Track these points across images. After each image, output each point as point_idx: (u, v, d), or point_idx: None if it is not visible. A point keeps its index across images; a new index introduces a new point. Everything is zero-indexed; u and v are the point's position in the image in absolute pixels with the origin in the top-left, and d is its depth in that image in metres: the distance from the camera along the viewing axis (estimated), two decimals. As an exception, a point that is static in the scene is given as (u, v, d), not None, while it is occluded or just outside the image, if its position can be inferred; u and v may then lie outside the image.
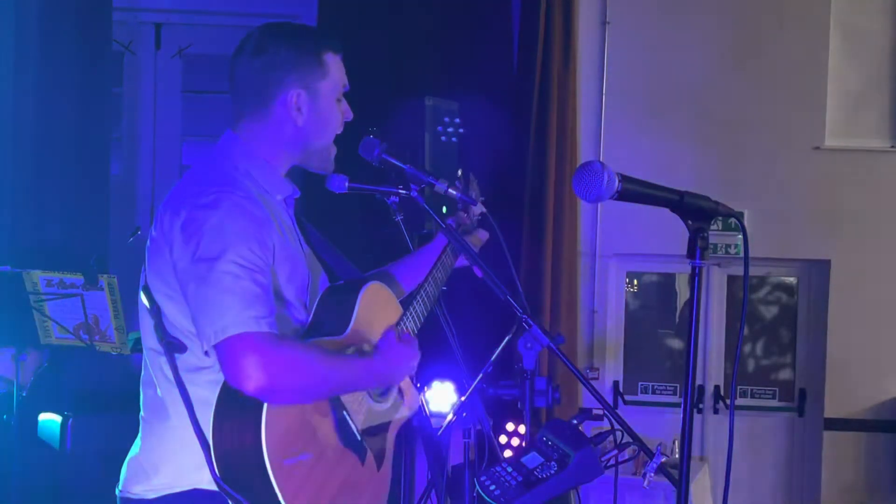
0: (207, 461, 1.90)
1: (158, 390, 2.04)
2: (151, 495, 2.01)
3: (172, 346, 1.99)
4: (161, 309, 2.01)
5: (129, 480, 2.06)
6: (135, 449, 2.09)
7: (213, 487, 1.91)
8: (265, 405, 1.85)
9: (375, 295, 2.26)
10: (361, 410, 2.12)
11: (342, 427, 2.04)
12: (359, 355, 2.10)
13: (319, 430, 1.99)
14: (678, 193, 1.80)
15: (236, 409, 1.88)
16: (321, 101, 2.13)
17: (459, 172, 2.66)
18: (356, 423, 2.08)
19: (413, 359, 2.20)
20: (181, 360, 1.99)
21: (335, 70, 2.16)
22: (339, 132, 2.21)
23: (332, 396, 2.02)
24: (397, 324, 2.29)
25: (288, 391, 1.87)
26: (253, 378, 1.82)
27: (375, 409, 2.18)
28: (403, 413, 2.28)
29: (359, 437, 2.08)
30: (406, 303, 2.37)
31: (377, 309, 2.27)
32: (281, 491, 1.85)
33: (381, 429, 2.19)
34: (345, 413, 2.05)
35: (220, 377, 1.91)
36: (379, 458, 2.17)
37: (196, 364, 1.98)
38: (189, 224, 1.93)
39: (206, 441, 1.92)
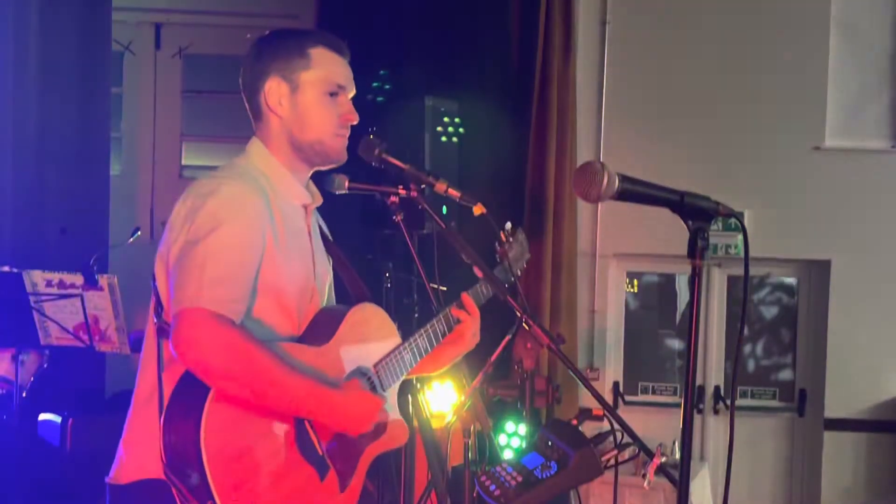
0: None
1: (144, 376, 2.08)
2: (124, 480, 2.05)
3: (162, 332, 2.02)
4: (161, 297, 2.04)
5: (113, 467, 2.11)
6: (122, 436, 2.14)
7: None
8: (210, 394, 1.86)
9: (368, 315, 2.25)
10: (322, 425, 2.07)
11: (301, 437, 2.01)
12: (319, 381, 2.03)
13: (272, 434, 1.96)
14: (678, 193, 1.80)
15: (185, 395, 1.89)
16: (302, 92, 2.14)
17: (508, 225, 2.61)
18: (319, 437, 2.04)
19: (371, 417, 2.08)
20: (166, 347, 2.01)
21: (322, 64, 2.16)
22: (340, 132, 2.19)
23: (274, 406, 1.95)
24: (378, 364, 2.24)
25: (224, 375, 1.86)
26: (193, 349, 1.85)
27: None
28: (384, 444, 2.22)
29: (320, 452, 2.04)
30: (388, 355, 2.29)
31: (370, 329, 2.24)
32: (215, 484, 1.84)
33: (351, 451, 2.15)
34: (307, 423, 2.02)
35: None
36: (343, 479, 2.11)
37: None
38: (190, 211, 1.97)
39: None
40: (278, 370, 1.93)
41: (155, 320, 2.04)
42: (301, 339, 2.11)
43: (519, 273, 2.63)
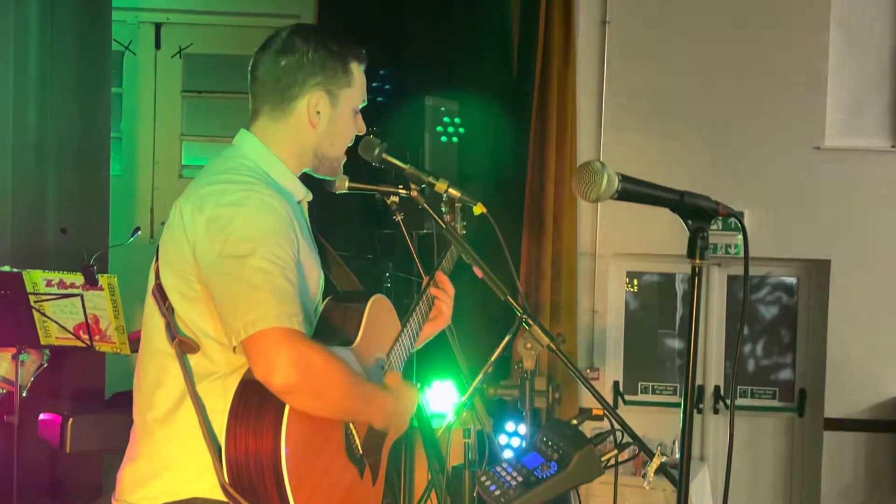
0: (216, 467, 1.87)
1: (164, 394, 1.99)
2: (151, 503, 1.98)
3: (185, 346, 1.95)
4: (174, 308, 1.97)
5: (126, 489, 2.02)
6: (132, 456, 2.05)
7: (213, 496, 1.89)
8: (286, 412, 1.82)
9: (380, 307, 2.26)
10: (364, 425, 2.11)
11: (348, 440, 2.03)
12: (377, 386, 2.08)
13: (330, 441, 1.98)
14: (678, 193, 1.80)
15: (253, 411, 1.85)
16: (340, 109, 2.13)
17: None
18: (359, 437, 2.07)
19: (415, 403, 2.17)
20: (193, 361, 1.96)
21: (357, 81, 2.15)
22: (350, 144, 2.22)
23: (341, 417, 1.98)
24: (389, 352, 2.27)
25: (312, 393, 1.83)
26: (281, 372, 1.78)
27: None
28: (397, 431, 2.26)
29: (360, 452, 2.07)
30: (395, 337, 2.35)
31: (384, 321, 2.27)
32: (294, 497, 1.82)
33: (377, 444, 2.18)
34: (350, 426, 2.04)
35: (231, 382, 1.89)
36: (374, 473, 2.15)
37: (208, 367, 1.95)
38: (215, 221, 1.89)
39: (215, 446, 1.89)
40: (355, 382, 1.93)
41: (168, 336, 1.97)
42: (328, 339, 2.08)
43: (462, 233, 2.70)
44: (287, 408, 1.83)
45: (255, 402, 1.84)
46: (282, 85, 2.09)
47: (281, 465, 1.81)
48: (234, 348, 1.86)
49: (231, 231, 1.87)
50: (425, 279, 2.51)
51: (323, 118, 2.11)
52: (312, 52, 2.09)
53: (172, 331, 1.97)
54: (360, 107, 2.20)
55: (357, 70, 2.15)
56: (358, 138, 2.28)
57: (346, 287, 2.34)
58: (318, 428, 1.91)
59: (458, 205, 2.62)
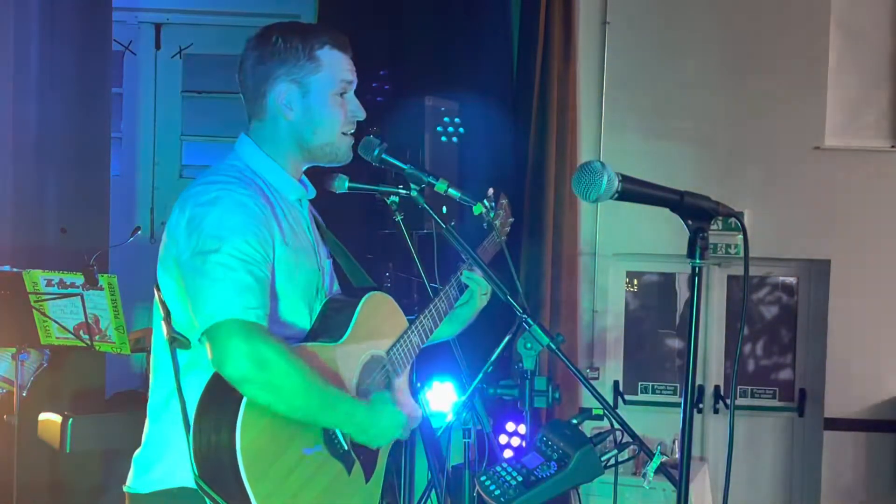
0: (191, 458, 1.91)
1: (159, 385, 2.07)
2: (146, 489, 2.04)
3: (175, 342, 2.02)
4: (168, 305, 2.04)
5: (132, 475, 2.10)
6: (141, 443, 2.12)
7: None
8: (244, 403, 1.85)
9: (379, 304, 2.25)
10: None
11: (328, 434, 2.02)
12: (347, 393, 2.05)
13: (301, 436, 1.97)
14: (678, 193, 1.80)
15: (215, 406, 1.88)
16: (313, 97, 2.13)
17: (491, 191, 2.66)
18: (344, 433, 2.06)
19: (402, 426, 2.12)
20: (182, 356, 2.01)
21: (331, 65, 2.15)
22: (346, 129, 2.19)
23: (303, 418, 1.95)
24: (389, 350, 2.26)
25: (265, 386, 1.85)
26: (232, 362, 1.83)
27: None
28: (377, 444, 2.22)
29: (346, 447, 2.06)
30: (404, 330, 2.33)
31: (381, 318, 2.26)
32: (253, 491, 1.83)
33: None
34: None
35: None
36: (368, 469, 2.14)
37: (195, 361, 1.99)
38: (192, 220, 1.96)
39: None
40: (316, 384, 1.93)
41: (165, 330, 2.04)
42: (316, 335, 2.10)
43: (505, 237, 2.68)
44: (245, 401, 1.86)
45: (219, 395, 1.88)
46: (253, 83, 2.14)
47: (237, 458, 1.82)
48: (200, 341, 1.90)
49: (203, 229, 1.93)
50: (460, 272, 2.51)
51: (295, 109, 2.13)
52: (272, 46, 2.12)
53: (168, 325, 2.03)
54: (351, 88, 2.19)
55: (327, 55, 2.14)
56: (359, 134, 2.28)
57: (361, 284, 2.35)
58: (285, 421, 1.92)
59: (501, 209, 2.64)
